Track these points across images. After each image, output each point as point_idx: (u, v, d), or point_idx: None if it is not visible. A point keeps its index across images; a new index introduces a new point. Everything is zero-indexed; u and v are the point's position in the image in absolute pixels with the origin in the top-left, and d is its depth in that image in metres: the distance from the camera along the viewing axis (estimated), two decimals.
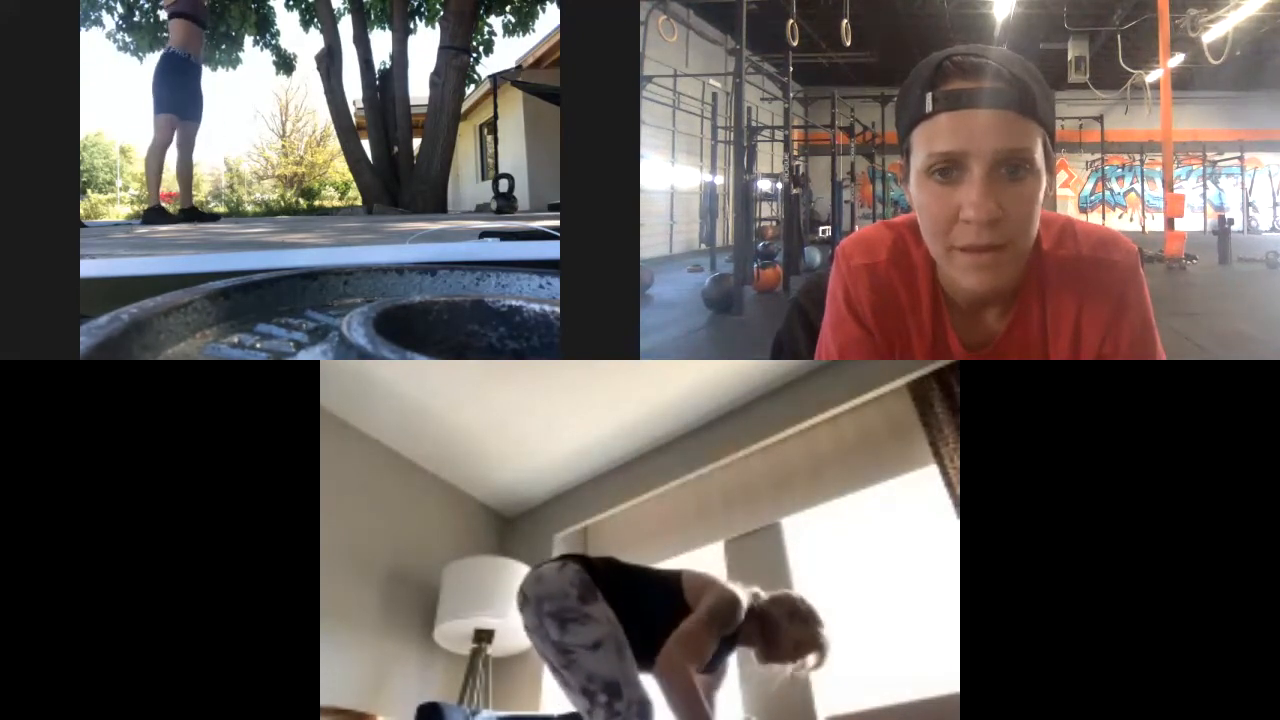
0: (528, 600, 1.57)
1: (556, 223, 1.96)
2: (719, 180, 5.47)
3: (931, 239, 0.98)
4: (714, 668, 1.62)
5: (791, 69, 5.35)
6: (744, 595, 1.62)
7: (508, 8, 9.73)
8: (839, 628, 1.64)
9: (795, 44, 4.71)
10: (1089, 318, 1.00)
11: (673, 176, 5.37)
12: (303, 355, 1.34)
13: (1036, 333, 1.02)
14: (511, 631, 2.16)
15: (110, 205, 15.14)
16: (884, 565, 2.01)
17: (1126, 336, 1.01)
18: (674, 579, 1.63)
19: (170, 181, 6.94)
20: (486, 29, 9.89)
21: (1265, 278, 5.37)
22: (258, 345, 1.37)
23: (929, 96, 0.94)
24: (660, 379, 2.34)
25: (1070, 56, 6.14)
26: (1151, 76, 6.34)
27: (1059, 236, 1.01)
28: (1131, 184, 7.74)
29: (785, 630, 1.61)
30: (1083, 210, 7.72)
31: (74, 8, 1.62)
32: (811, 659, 1.61)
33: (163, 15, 6.04)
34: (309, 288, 1.62)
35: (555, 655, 1.52)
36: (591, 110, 1.61)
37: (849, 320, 1.06)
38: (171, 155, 6.17)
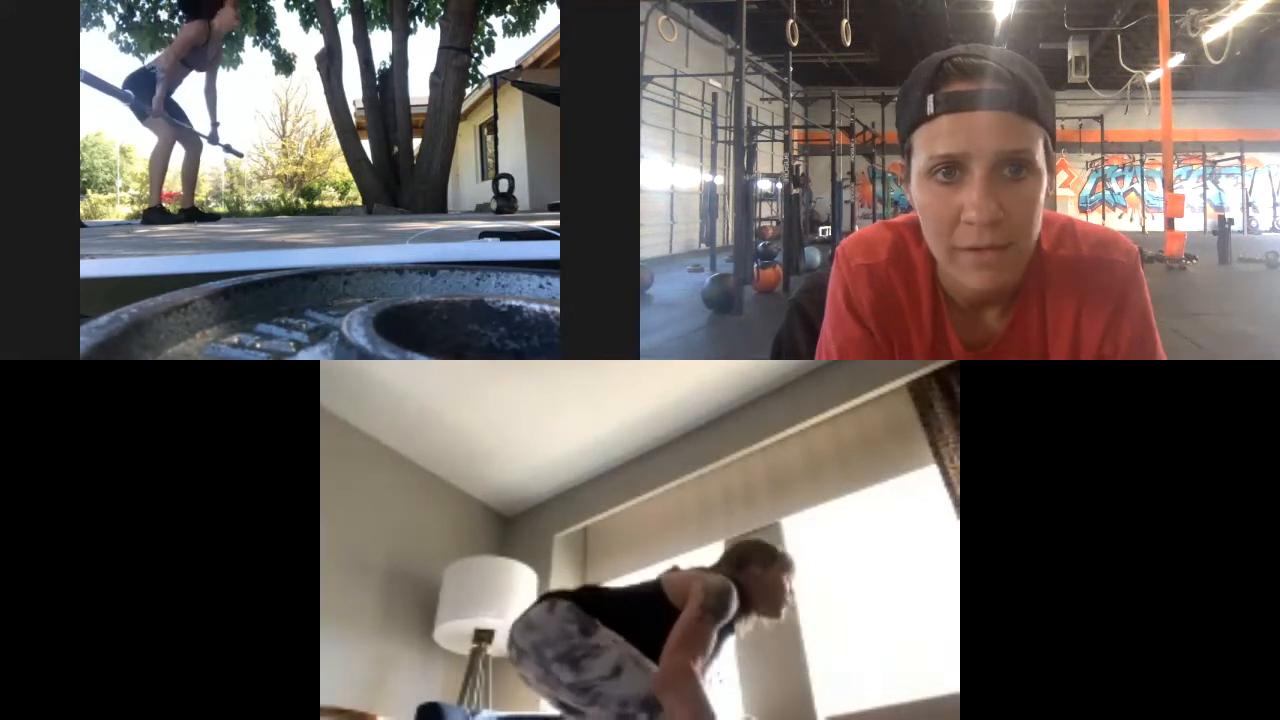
0: (525, 652, 1.49)
1: (556, 223, 1.96)
2: (719, 180, 5.46)
3: (934, 240, 0.98)
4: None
5: (791, 69, 5.35)
6: (729, 581, 1.56)
7: (508, 8, 9.72)
8: (839, 627, 1.64)
9: (795, 44, 4.71)
10: (1089, 318, 1.00)
11: (673, 176, 5.36)
12: (303, 355, 1.34)
13: (1036, 333, 1.02)
14: None
15: (110, 205, 15.13)
16: (884, 565, 2.01)
17: (1126, 336, 1.00)
18: (654, 588, 1.57)
19: (171, 181, 6.94)
20: (486, 29, 9.88)
21: (1265, 278, 5.37)
22: (258, 345, 1.37)
23: (930, 98, 0.94)
24: (660, 379, 2.34)
25: (1070, 56, 6.13)
26: (1151, 76, 6.34)
27: (1059, 236, 1.01)
28: (1131, 184, 7.72)
29: (770, 580, 1.62)
30: (1083, 210, 7.71)
31: (74, 8, 1.62)
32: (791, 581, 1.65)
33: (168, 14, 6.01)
34: (309, 288, 1.62)
35: (574, 697, 1.43)
36: (591, 110, 1.60)
37: (849, 320, 1.06)
38: (177, 156, 6.17)
